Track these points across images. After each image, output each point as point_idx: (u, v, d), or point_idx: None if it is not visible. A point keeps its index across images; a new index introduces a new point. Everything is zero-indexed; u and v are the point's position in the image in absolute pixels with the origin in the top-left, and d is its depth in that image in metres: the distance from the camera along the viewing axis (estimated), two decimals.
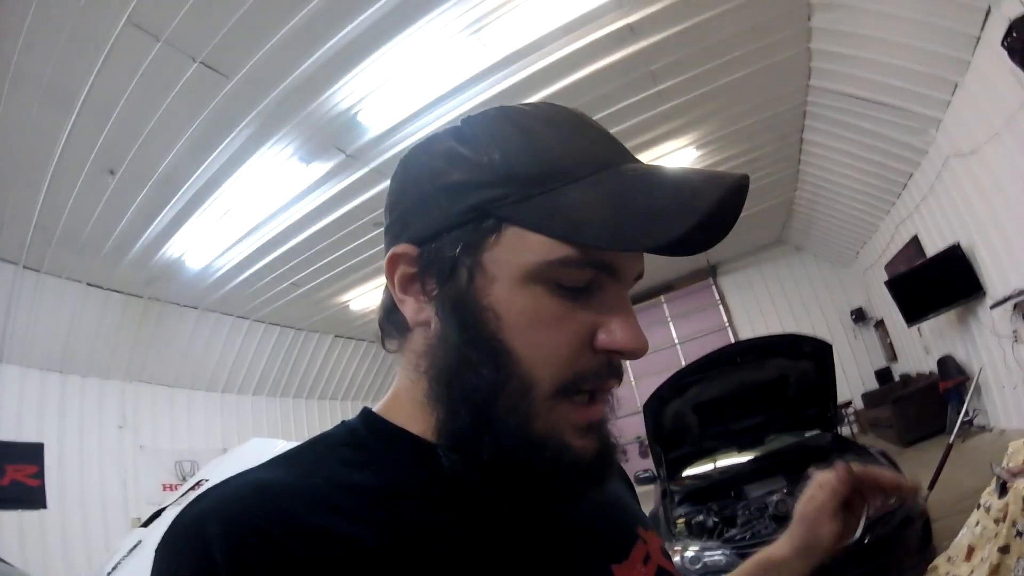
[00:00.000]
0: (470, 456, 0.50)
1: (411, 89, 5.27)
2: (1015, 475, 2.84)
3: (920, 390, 8.19)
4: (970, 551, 3.20)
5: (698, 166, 7.90)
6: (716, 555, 3.53)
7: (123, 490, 7.67)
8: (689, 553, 3.63)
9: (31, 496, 6.54)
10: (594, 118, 0.56)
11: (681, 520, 4.01)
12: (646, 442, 4.86)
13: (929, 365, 8.44)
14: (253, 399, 10.37)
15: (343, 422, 0.58)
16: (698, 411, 4.63)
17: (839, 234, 10.48)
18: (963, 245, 6.41)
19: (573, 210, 0.48)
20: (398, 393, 0.58)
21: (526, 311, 0.50)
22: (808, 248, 12.46)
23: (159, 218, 6.30)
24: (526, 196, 0.49)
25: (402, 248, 0.54)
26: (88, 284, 7.27)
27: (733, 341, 11.40)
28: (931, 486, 4.51)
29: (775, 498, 3.88)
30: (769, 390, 4.53)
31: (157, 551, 0.45)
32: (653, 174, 0.50)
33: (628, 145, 0.55)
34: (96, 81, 4.42)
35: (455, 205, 0.51)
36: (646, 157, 7.16)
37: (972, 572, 3.07)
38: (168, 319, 8.43)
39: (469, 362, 0.50)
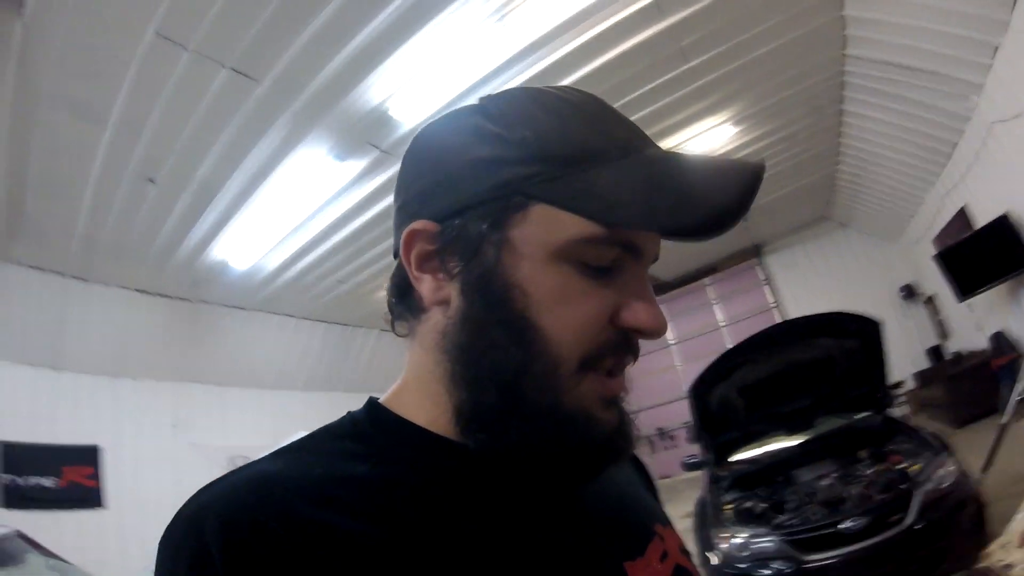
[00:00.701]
0: (497, 437, 0.50)
1: (440, 81, 5.26)
2: None
3: (972, 368, 7.88)
4: None
5: (736, 143, 7.83)
6: (764, 542, 3.45)
7: (177, 488, 7.86)
8: (737, 540, 3.57)
9: (89, 496, 6.79)
10: (627, 99, 0.56)
11: (729, 506, 3.95)
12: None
13: (982, 342, 8.13)
14: (303, 394, 10.52)
15: (348, 412, 0.59)
16: (744, 394, 4.55)
17: (885, 208, 10.14)
18: (1012, 215, 6.17)
19: (606, 190, 0.49)
20: (408, 380, 0.59)
21: (554, 289, 0.50)
22: (853, 224, 12.07)
23: (201, 222, 6.44)
24: (558, 175, 0.50)
25: (421, 224, 0.54)
26: (136, 290, 7.49)
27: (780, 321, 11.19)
28: (985, 468, 4.36)
29: (825, 483, 3.78)
30: (817, 370, 4.42)
31: (159, 545, 0.46)
32: (679, 159, 0.52)
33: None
34: (128, 95, 4.51)
35: (483, 181, 0.51)
36: (682, 136, 7.04)
37: None
38: (216, 320, 8.63)
39: (495, 341, 0.51)
